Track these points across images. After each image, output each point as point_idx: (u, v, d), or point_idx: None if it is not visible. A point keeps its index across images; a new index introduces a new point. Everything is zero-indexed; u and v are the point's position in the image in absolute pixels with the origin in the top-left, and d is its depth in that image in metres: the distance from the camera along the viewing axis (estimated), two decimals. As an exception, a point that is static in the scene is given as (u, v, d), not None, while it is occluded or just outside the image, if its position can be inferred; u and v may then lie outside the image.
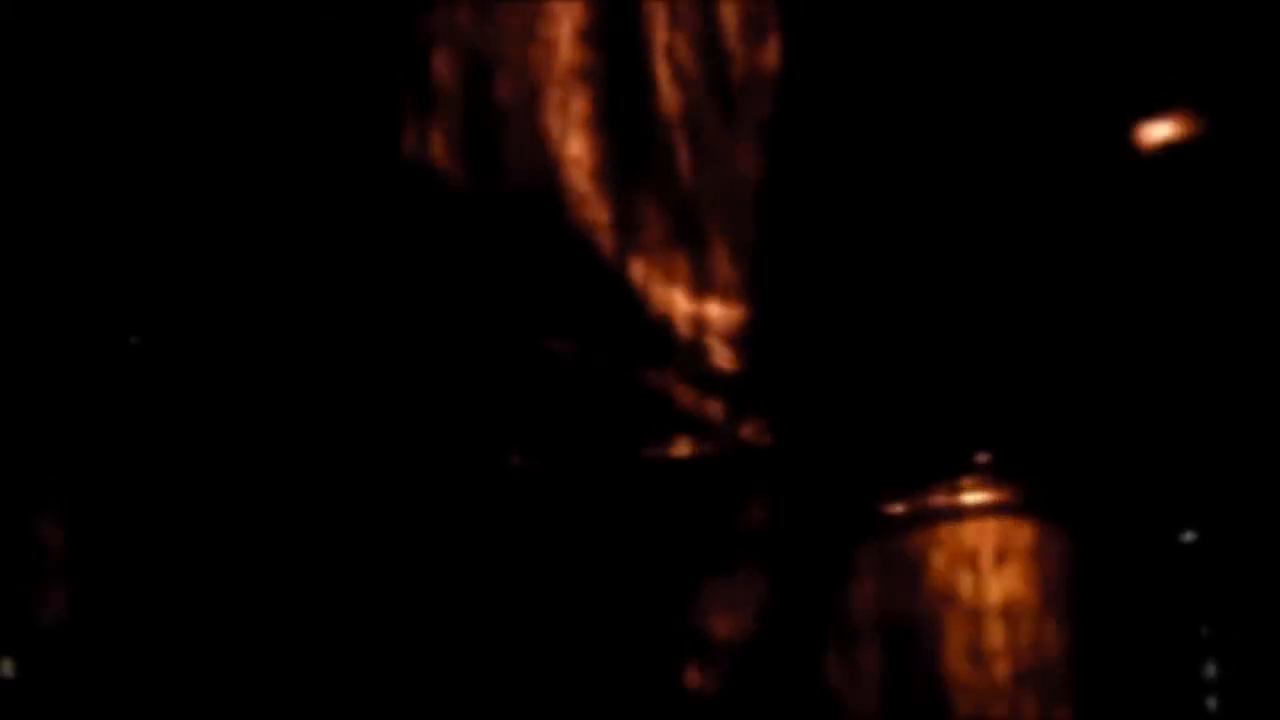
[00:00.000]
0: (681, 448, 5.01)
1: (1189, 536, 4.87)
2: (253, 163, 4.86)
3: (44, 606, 4.62)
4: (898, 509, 4.98)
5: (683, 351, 5.00)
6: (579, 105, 4.94)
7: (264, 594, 4.79)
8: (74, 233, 4.79)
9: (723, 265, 5.05)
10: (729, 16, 5.10)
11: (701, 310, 5.03)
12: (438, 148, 4.90)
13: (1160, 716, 4.84)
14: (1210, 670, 4.83)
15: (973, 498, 4.98)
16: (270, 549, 4.82)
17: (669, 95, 5.01)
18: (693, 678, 4.91)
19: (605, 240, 4.95)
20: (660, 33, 5.01)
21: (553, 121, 4.93)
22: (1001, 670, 4.89)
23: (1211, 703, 4.82)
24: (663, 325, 5.01)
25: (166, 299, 4.83)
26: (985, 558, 4.94)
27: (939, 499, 4.98)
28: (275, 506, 4.82)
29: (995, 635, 4.90)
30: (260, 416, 4.83)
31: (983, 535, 4.96)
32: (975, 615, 4.91)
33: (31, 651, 4.58)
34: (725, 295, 5.04)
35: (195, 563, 4.77)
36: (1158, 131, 4.92)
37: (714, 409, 5.02)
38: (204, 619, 4.76)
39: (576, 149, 4.93)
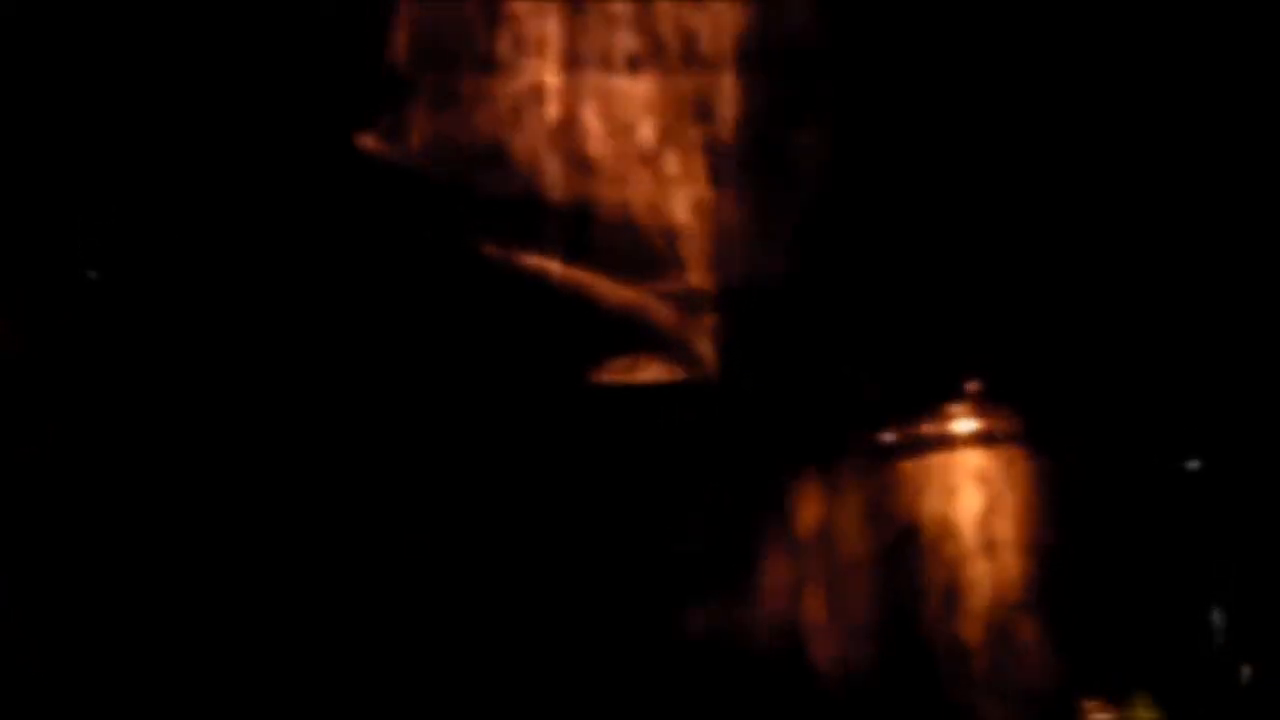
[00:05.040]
0: (650, 371, 4.75)
1: (1193, 465, 4.70)
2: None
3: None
4: (888, 438, 4.76)
5: (658, 265, 4.73)
6: None
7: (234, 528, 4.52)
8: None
9: (706, 174, 4.78)
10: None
11: (681, 220, 4.76)
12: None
13: (1164, 644, 4.69)
14: (1213, 601, 4.68)
15: (965, 426, 4.77)
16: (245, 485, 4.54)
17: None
18: (667, 605, 4.67)
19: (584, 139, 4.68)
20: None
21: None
22: (994, 601, 4.69)
23: (1215, 631, 4.67)
24: (635, 235, 4.73)
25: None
26: (979, 487, 4.73)
27: (929, 427, 4.77)
28: (250, 445, 4.54)
29: (986, 567, 4.71)
30: (240, 370, 4.55)
31: (975, 464, 4.75)
32: (967, 545, 4.71)
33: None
34: (707, 207, 4.77)
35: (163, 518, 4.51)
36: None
37: (688, 330, 4.76)
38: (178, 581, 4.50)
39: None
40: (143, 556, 4.57)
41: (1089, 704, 4.66)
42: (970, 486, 4.75)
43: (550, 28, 4.72)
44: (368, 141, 4.67)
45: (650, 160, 4.76)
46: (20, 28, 4.60)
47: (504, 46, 4.74)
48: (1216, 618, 4.68)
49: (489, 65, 4.72)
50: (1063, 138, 4.75)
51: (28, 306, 4.53)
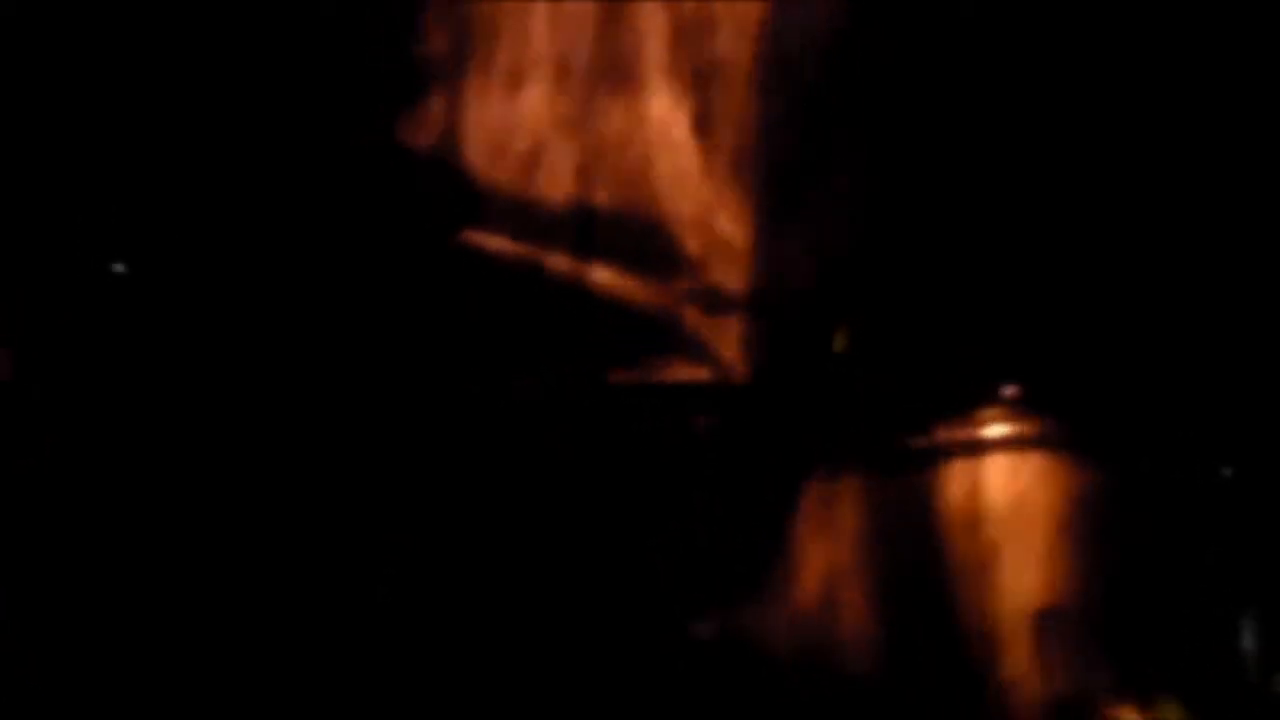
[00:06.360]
0: (674, 371, 4.61)
1: (1226, 472, 4.62)
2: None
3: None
4: (920, 442, 4.64)
5: (689, 267, 4.57)
6: None
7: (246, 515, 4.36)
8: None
9: (738, 175, 4.61)
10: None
11: (712, 222, 4.59)
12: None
13: (1195, 652, 4.63)
14: (1246, 606, 4.62)
15: (997, 431, 4.66)
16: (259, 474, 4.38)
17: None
18: (691, 607, 4.55)
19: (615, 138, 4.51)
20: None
21: None
22: (1026, 605, 4.61)
23: (1246, 636, 4.61)
24: (667, 235, 4.57)
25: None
26: (1010, 492, 4.63)
27: (962, 432, 4.66)
28: (267, 436, 4.36)
29: (1018, 571, 4.62)
30: (256, 351, 4.37)
31: (1007, 469, 4.65)
32: (999, 550, 4.61)
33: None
34: (738, 208, 4.61)
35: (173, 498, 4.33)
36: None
37: (717, 332, 4.61)
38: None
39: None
40: (139, 566, 4.45)
41: (1119, 707, 4.59)
42: (1002, 491, 4.66)
43: None
44: (402, 135, 4.51)
45: (672, 159, 4.60)
46: (39, 24, 4.44)
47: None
48: (1248, 623, 4.62)
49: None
50: (1104, 139, 4.64)
51: (24, 319, 4.39)
